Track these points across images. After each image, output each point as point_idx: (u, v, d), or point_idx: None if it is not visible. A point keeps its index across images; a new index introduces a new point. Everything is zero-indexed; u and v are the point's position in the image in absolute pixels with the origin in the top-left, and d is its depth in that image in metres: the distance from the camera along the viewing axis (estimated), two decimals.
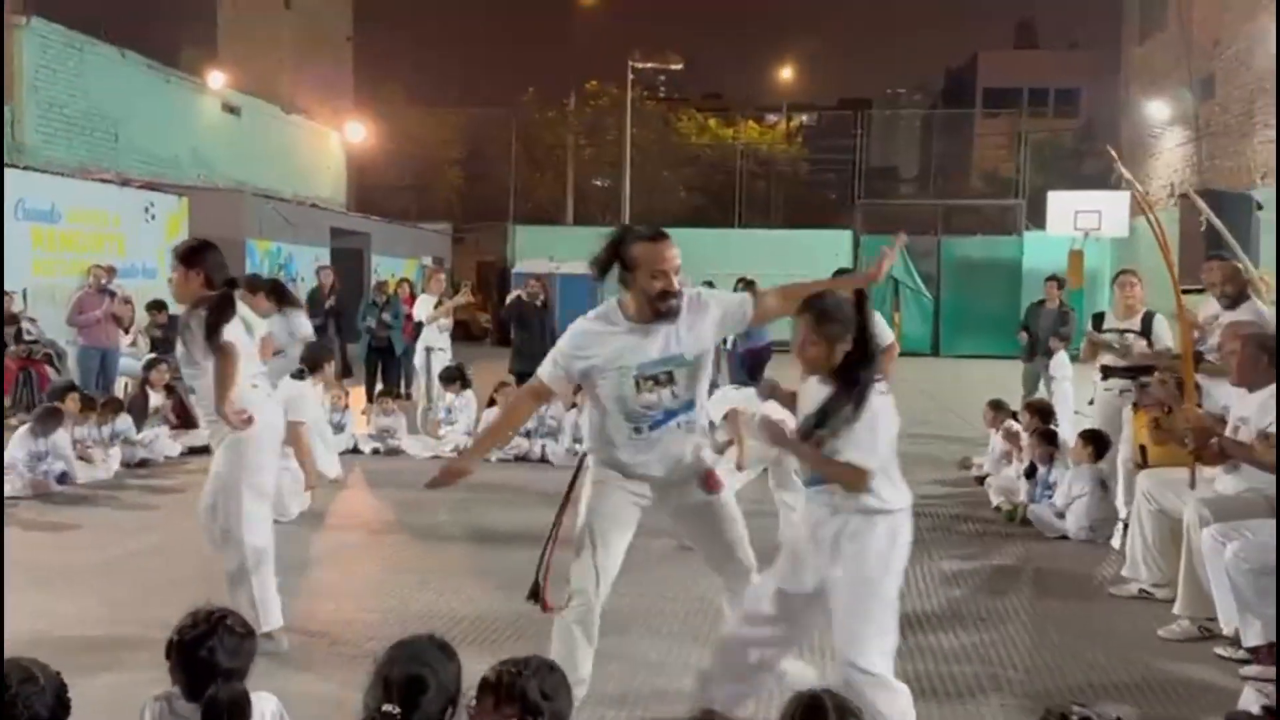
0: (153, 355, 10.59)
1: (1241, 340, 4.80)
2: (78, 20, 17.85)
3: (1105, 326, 7.12)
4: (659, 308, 3.54)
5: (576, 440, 9.26)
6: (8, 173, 13.32)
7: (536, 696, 2.19)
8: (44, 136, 17.09)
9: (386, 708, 2.16)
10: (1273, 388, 4.51)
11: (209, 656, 2.36)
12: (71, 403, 8.16)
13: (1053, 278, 11.25)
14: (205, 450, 8.90)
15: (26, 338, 11.01)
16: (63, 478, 7.52)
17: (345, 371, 12.27)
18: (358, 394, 11.46)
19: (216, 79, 21.84)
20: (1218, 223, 5.10)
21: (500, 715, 2.18)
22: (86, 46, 18.02)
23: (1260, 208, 11.91)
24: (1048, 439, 7.13)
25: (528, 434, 9.45)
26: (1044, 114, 38.02)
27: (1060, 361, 10.35)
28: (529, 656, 2.33)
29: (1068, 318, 10.60)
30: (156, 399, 9.35)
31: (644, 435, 3.54)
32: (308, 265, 18.33)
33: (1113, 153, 7.39)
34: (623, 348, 3.54)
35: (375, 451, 9.36)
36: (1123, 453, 6.54)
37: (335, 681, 3.97)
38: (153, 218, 15.50)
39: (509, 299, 11.84)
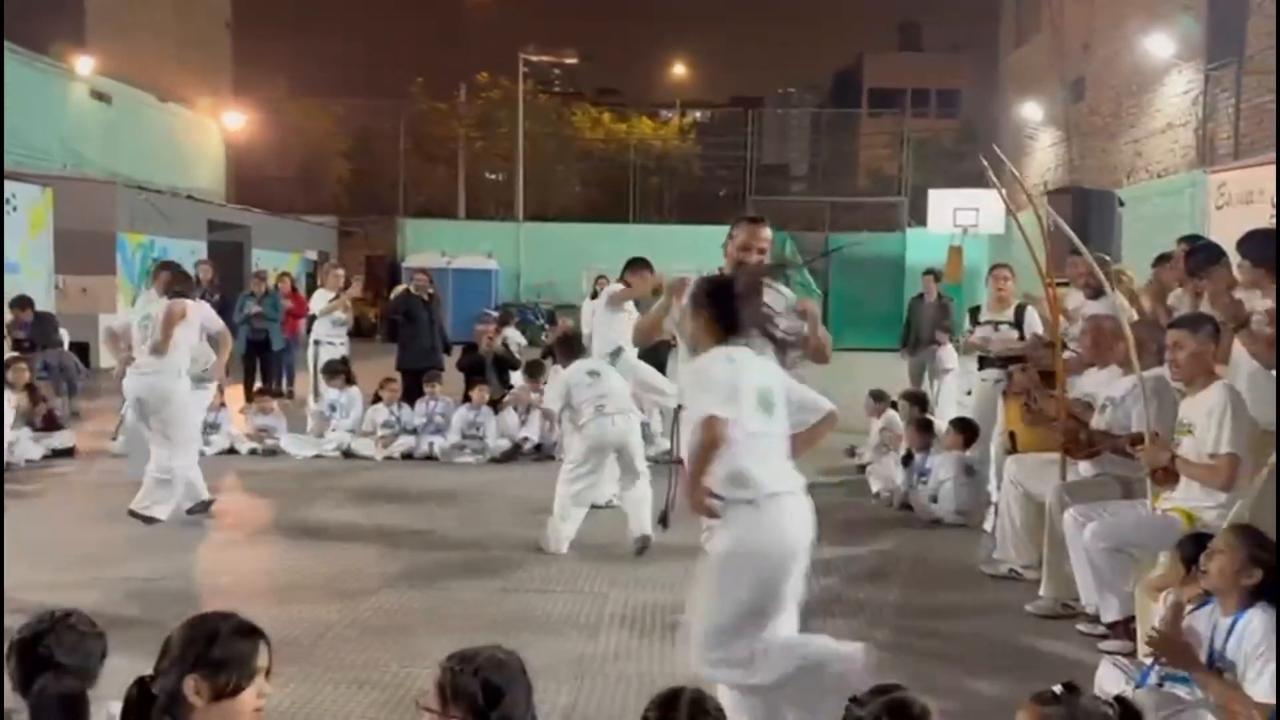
0: (14, 354, 10.04)
1: (1102, 327, 5.07)
2: None
3: (981, 318, 7.40)
4: None
5: (464, 435, 9.16)
6: None
7: (481, 696, 2.06)
8: None
9: None
10: (1134, 377, 4.73)
11: (46, 652, 2.24)
12: None
13: (929, 272, 11.57)
14: (69, 453, 8.59)
15: None
16: None
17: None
18: (235, 392, 11.09)
19: (85, 64, 20.84)
20: (1064, 225, 5.35)
21: (447, 715, 2.07)
22: None
23: (1123, 204, 12.46)
24: (924, 428, 7.34)
25: (415, 431, 9.29)
26: (926, 114, 39.15)
27: (948, 354, 10.68)
28: (478, 651, 2.17)
29: (948, 310, 10.92)
30: (15, 400, 8.84)
31: None
32: (183, 259, 17.51)
33: (1000, 155, 7.66)
34: None
35: (253, 452, 9.06)
36: (996, 439, 6.78)
37: None
38: (14, 209, 14.70)
39: (395, 293, 11.58)
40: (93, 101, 21.18)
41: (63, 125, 19.99)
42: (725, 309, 3.25)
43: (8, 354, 10.06)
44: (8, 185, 14.88)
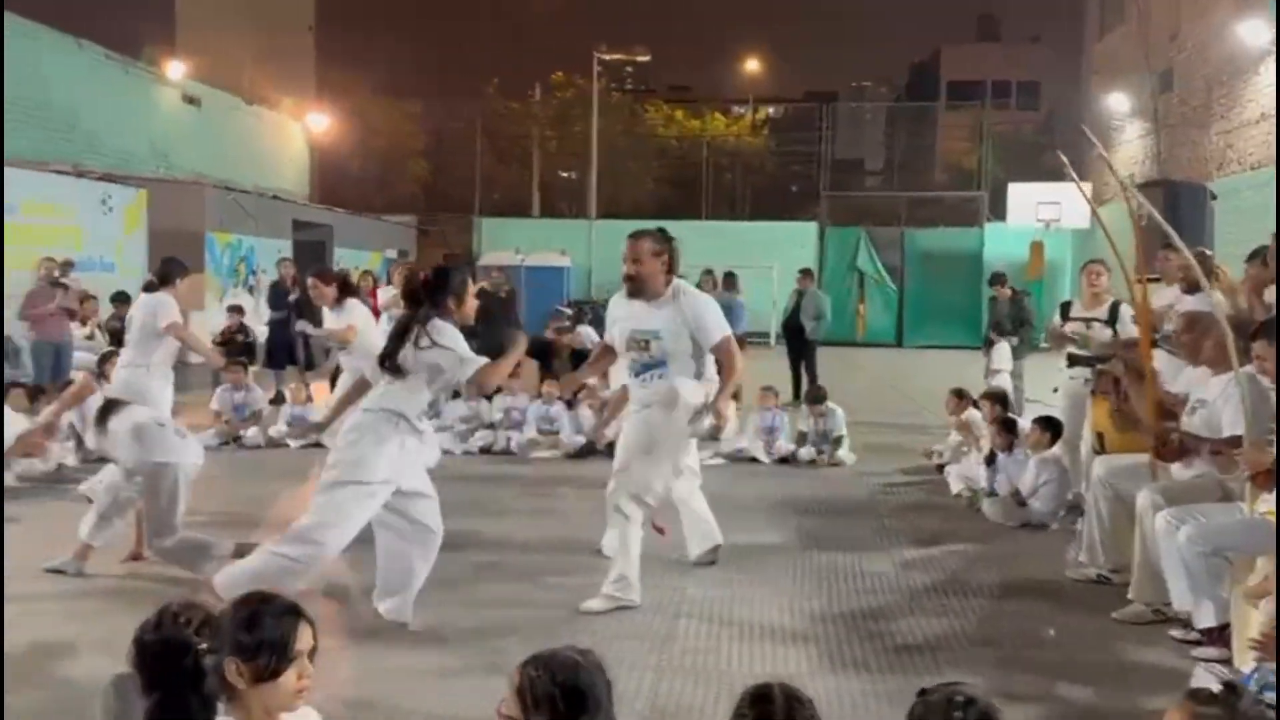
0: (110, 349, 10.42)
1: (1196, 325, 4.88)
2: (34, 9, 17.52)
3: (1072, 315, 7.18)
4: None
5: (540, 432, 9.26)
6: None
7: (563, 700, 2.04)
8: None
9: None
10: (1230, 375, 4.58)
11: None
12: (17, 398, 7.96)
13: (993, 280, 11.42)
14: None
15: None
16: None
17: (309, 364, 12.14)
18: (321, 387, 11.34)
19: (176, 69, 21.52)
20: (1158, 216, 5.17)
21: None
22: (43, 36, 17.71)
23: (1214, 198, 12.09)
24: (1007, 427, 7.21)
25: (492, 425, 9.42)
26: (1006, 106, 38.39)
27: (1000, 353, 10.54)
28: (554, 653, 2.14)
29: (1021, 307, 10.72)
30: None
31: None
32: (269, 258, 18.12)
33: (1092, 137, 7.52)
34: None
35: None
36: (1085, 440, 6.63)
37: None
38: (110, 210, 15.25)
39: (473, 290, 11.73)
40: (183, 105, 21.87)
41: (154, 129, 20.68)
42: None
43: (107, 348, 10.46)
44: (105, 187, 15.45)
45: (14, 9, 17.11)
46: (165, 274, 6.78)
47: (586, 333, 12.21)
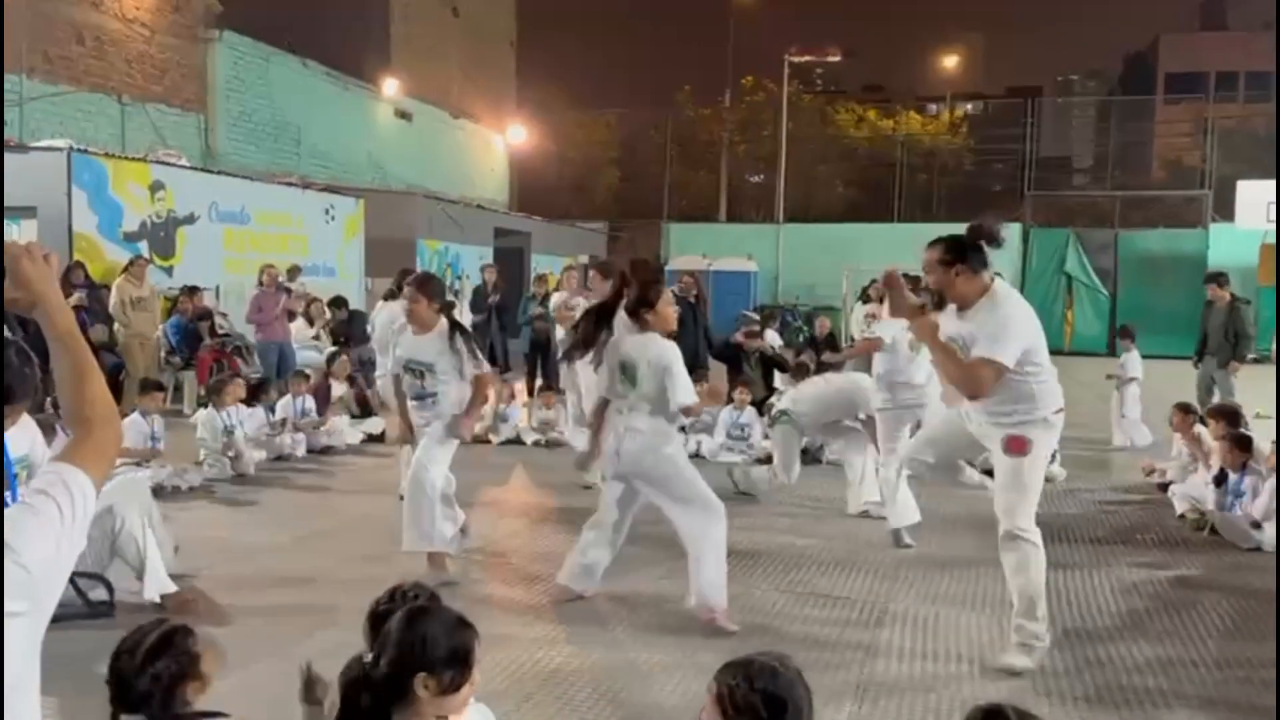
0: (335, 348, 11.17)
1: None
2: (264, 32, 19.01)
3: None
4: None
5: (730, 436, 9.27)
6: (203, 178, 14.32)
7: (766, 707, 2.03)
8: (234, 143, 18.30)
9: None
10: None
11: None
12: (233, 391, 8.49)
13: (1212, 277, 10.58)
14: (382, 438, 9.46)
15: (219, 331, 11.80)
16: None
17: (505, 366, 12.62)
18: (520, 388, 11.78)
19: (390, 86, 22.85)
20: None
21: None
22: (272, 57, 19.17)
23: None
24: (1241, 445, 6.67)
25: (683, 429, 9.50)
26: (1233, 99, 35.58)
27: (1131, 360, 10.03)
28: (751, 659, 2.13)
29: (1239, 315, 9.91)
30: (339, 389, 9.88)
31: None
32: (473, 264, 18.96)
33: None
34: None
35: (537, 444, 9.61)
36: None
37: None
38: (332, 219, 16.34)
39: None
40: (396, 120, 23.20)
41: (370, 141, 22.04)
42: None
43: (331, 349, 11.23)
44: (327, 197, 16.56)
45: (248, 32, 18.63)
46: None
47: (772, 337, 12.14)
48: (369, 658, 2.20)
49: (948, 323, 4.20)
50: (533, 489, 8.06)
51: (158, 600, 4.59)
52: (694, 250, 25.90)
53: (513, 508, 7.38)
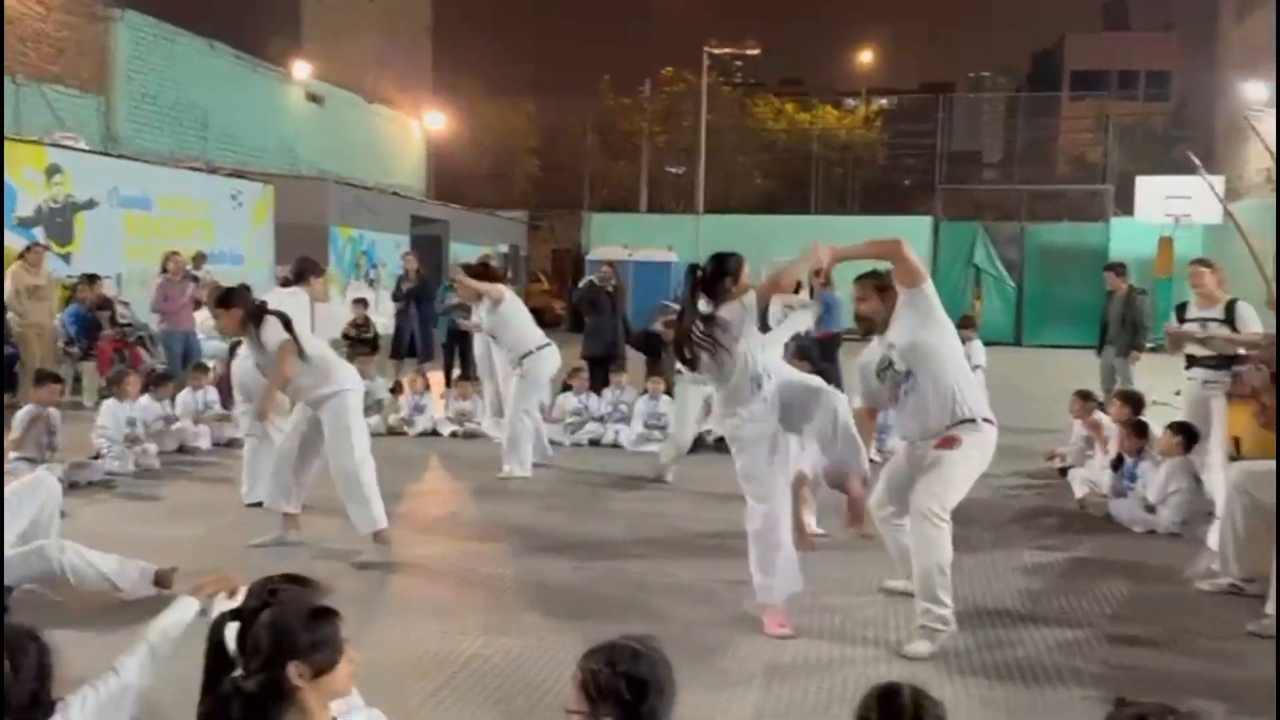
0: (237, 338, 10.85)
1: None
2: (168, 11, 18.39)
3: (1187, 316, 6.86)
4: None
5: (647, 425, 9.30)
6: (103, 161, 13.82)
7: (627, 690, 2.06)
8: (136, 126, 17.67)
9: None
10: None
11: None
12: (135, 382, 8.28)
13: (1111, 267, 10.93)
14: None
15: (121, 320, 11.41)
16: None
17: (426, 355, 12.46)
18: (436, 378, 11.63)
19: (301, 69, 22.32)
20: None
21: (596, 715, 2.06)
22: (177, 38, 18.57)
23: None
24: (1139, 431, 6.92)
25: (600, 419, 9.51)
26: (1134, 97, 36.85)
27: (975, 349, 10.33)
28: (613, 643, 2.16)
29: (1134, 304, 10.24)
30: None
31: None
32: (389, 252, 18.67)
33: (1253, 127, 7.13)
34: None
35: (454, 435, 9.51)
36: (1216, 444, 6.33)
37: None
38: (240, 205, 15.92)
39: (581, 284, 11.87)
40: (307, 103, 22.67)
41: (281, 126, 21.51)
42: None
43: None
44: (234, 182, 16.13)
45: (151, 12, 18.00)
46: (300, 271, 7.04)
47: None
48: (238, 673, 2.21)
49: (877, 350, 4.50)
50: (449, 481, 7.98)
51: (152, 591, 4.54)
52: (614, 240, 25.90)
53: (429, 501, 7.29)
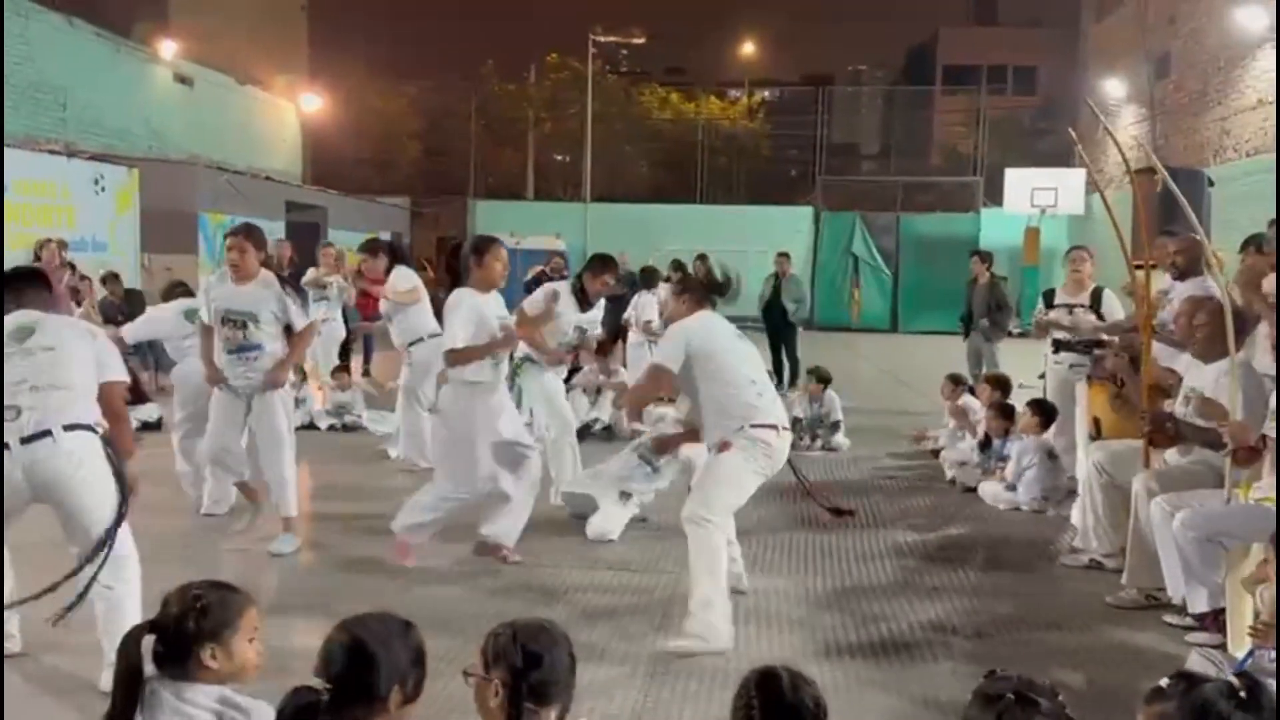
0: (110, 327, 10.35)
1: (1206, 312, 4.83)
2: None
3: (1056, 302, 7.20)
4: None
5: None
6: None
7: (520, 658, 2.14)
8: None
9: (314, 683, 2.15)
10: (1225, 362, 4.57)
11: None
12: None
13: (976, 253, 11.34)
14: (156, 426, 8.85)
15: None
16: None
17: None
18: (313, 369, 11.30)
19: (168, 48, 21.36)
20: (1175, 188, 5.12)
21: (489, 679, 2.14)
22: (32, 14, 17.53)
23: (1212, 184, 12.06)
24: (1004, 413, 7.20)
25: None
26: (1003, 91, 38.25)
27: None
28: (519, 619, 2.27)
29: (996, 290, 10.64)
30: None
31: None
32: None
33: (1104, 121, 7.45)
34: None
35: (332, 428, 9.26)
36: (1079, 425, 6.63)
37: None
38: (102, 190, 15.15)
39: (527, 278, 11.87)
40: (175, 85, 21.71)
41: (147, 108, 20.53)
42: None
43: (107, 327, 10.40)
44: (96, 166, 15.34)
45: None
46: None
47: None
48: (326, 685, 2.16)
49: None
50: (335, 475, 7.77)
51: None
52: (501, 228, 25.51)
53: (316, 496, 7.08)
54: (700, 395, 4.42)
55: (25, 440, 3.46)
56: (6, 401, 3.50)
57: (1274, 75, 16.58)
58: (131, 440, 3.85)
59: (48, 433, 3.49)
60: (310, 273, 10.56)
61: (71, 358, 3.67)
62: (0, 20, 11.60)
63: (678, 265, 12.32)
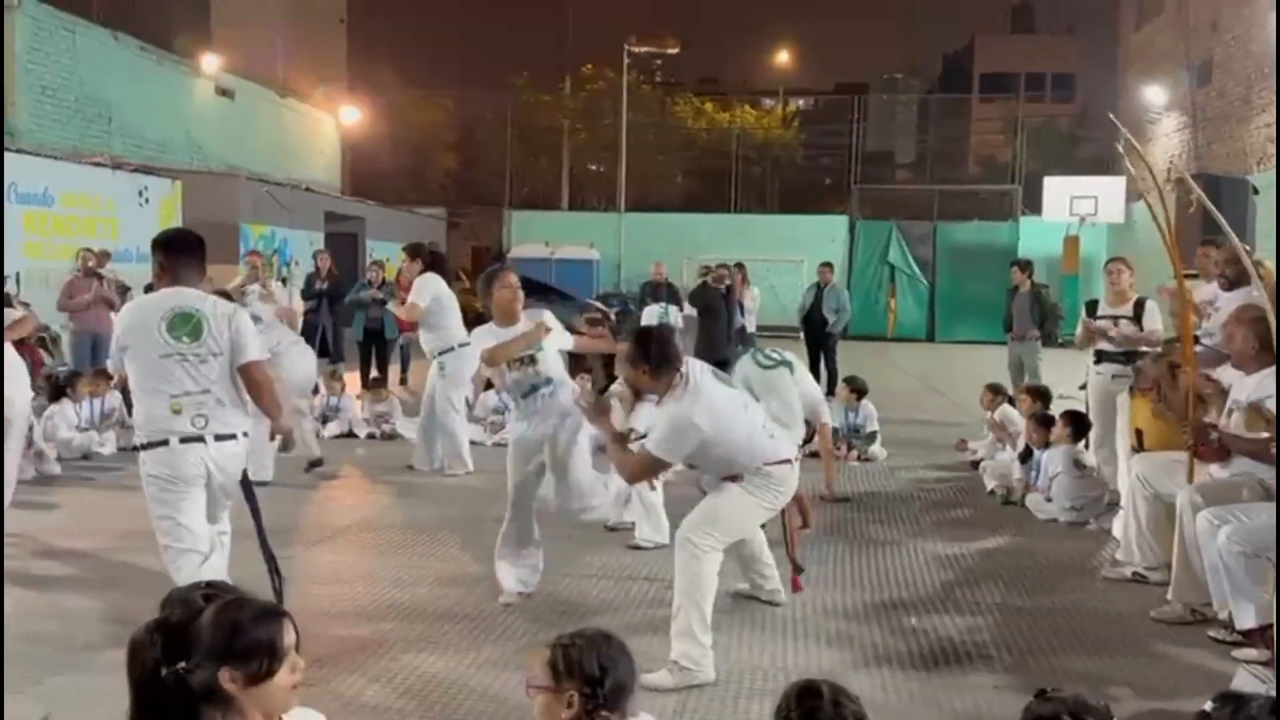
0: None
1: (1243, 325, 4.76)
2: (68, 2, 17.71)
3: (1099, 313, 7.13)
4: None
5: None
6: None
7: (594, 668, 2.18)
8: (36, 120, 16.98)
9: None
10: (1268, 370, 4.50)
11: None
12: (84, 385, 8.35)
13: (1016, 262, 11.23)
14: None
15: None
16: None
17: (337, 356, 12.23)
18: (352, 379, 11.43)
19: (210, 62, 21.70)
20: (1209, 204, 5.05)
21: (560, 690, 2.17)
22: (79, 29, 17.89)
23: (1257, 192, 11.89)
24: (1044, 423, 7.13)
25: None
26: (1041, 99, 37.96)
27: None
28: (584, 629, 2.31)
29: (1040, 300, 10.53)
30: None
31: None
32: (302, 249, 18.27)
33: (1123, 131, 7.37)
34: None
35: (371, 436, 9.35)
36: (1119, 437, 6.55)
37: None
38: (146, 201, 15.41)
39: (694, 286, 11.98)
40: (217, 98, 22.05)
41: (188, 120, 20.86)
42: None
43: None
44: (141, 178, 15.60)
45: (50, 2, 17.31)
46: None
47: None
48: (180, 665, 2.08)
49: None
50: (369, 483, 7.84)
51: None
52: (536, 238, 25.76)
53: (348, 503, 7.16)
54: (709, 458, 4.21)
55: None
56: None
57: None
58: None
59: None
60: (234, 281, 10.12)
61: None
62: (0, 20, 11.84)
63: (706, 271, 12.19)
